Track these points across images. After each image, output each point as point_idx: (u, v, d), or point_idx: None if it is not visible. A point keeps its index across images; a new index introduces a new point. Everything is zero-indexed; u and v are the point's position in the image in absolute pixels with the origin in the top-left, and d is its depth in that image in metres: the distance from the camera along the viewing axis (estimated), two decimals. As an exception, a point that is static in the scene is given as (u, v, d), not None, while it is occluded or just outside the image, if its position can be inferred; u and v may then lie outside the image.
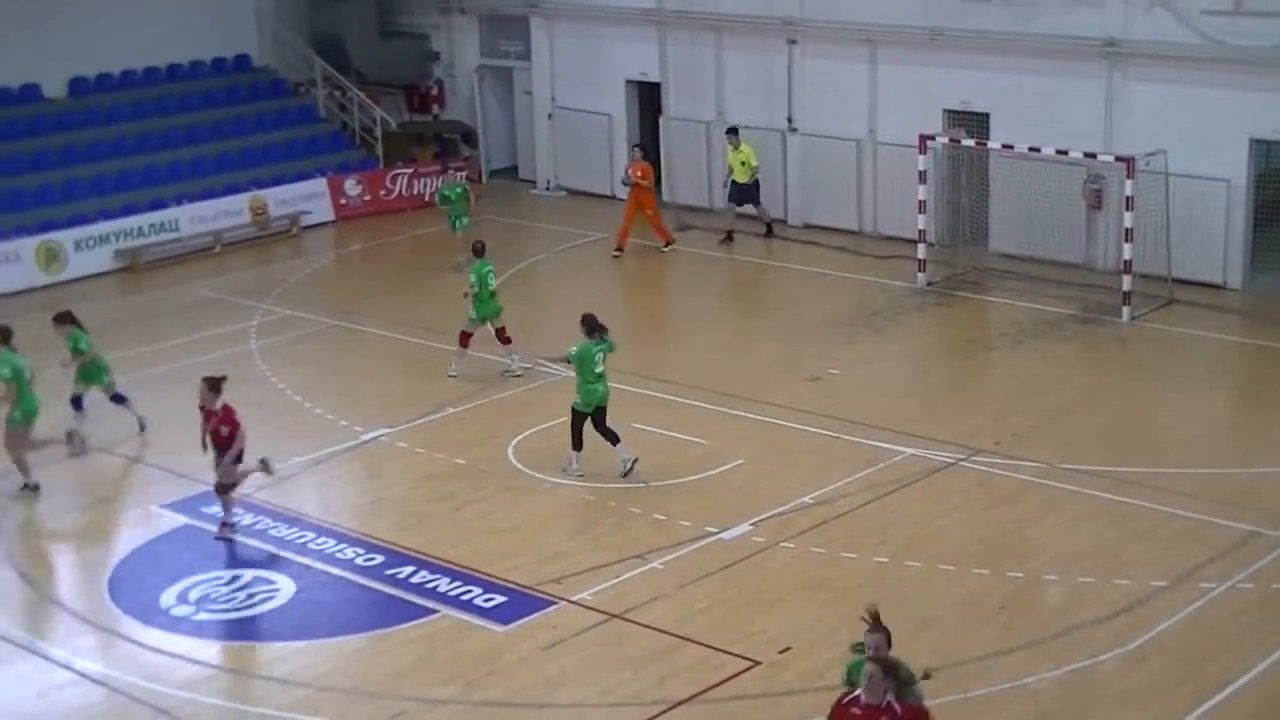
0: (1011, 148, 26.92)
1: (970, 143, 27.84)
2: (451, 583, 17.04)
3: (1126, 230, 25.11)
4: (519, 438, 20.91)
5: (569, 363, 19.57)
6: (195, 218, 31.37)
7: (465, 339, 23.18)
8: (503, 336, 23.27)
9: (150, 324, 26.66)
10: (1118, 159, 25.46)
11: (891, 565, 17.13)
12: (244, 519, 18.76)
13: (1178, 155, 25.77)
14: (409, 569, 17.39)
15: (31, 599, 17.34)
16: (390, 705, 14.75)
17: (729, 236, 30.43)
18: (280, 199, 32.61)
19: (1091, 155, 26.05)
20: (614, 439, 19.64)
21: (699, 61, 32.31)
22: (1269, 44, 25.36)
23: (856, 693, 11.53)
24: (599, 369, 19.44)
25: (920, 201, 27.27)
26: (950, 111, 28.87)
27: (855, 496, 18.85)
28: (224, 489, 18.35)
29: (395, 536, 18.25)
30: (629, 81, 33.72)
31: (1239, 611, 15.95)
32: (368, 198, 33.87)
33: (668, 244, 30.15)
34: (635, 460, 19.60)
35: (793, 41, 30.88)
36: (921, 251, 27.35)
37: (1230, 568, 16.76)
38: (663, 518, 18.45)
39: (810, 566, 17.18)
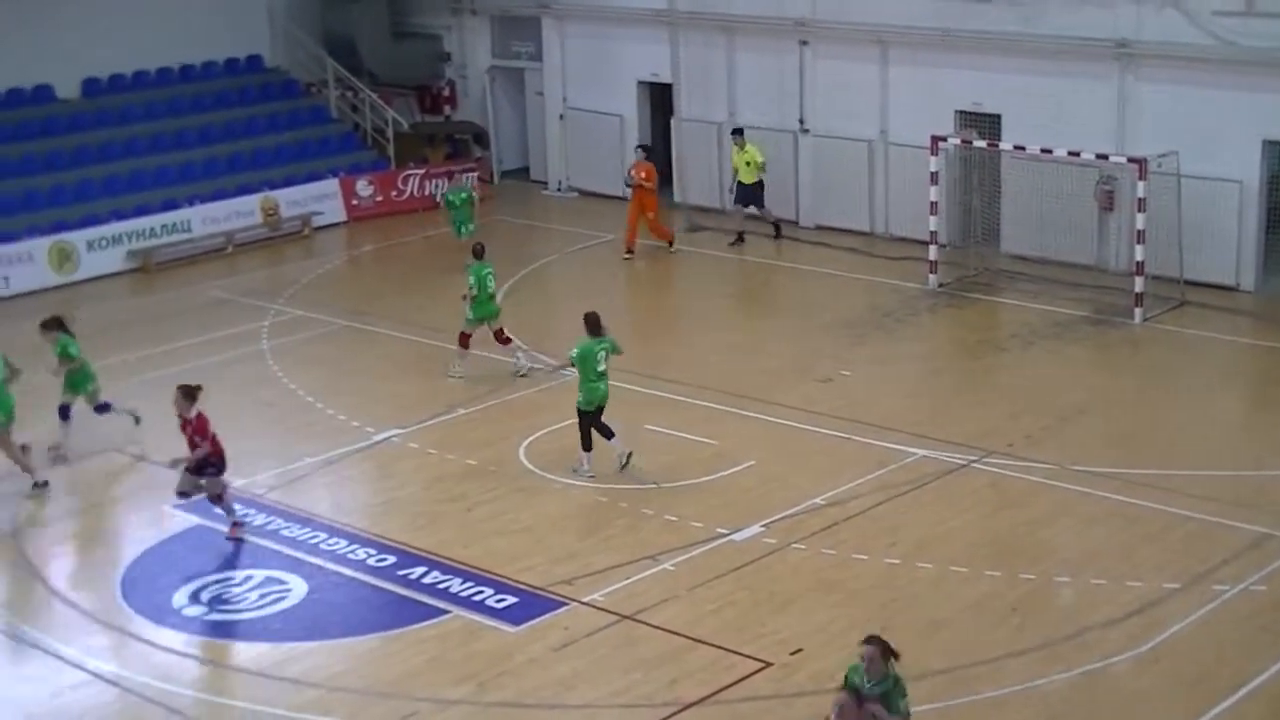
0: (1023, 149, 26.92)
1: (982, 144, 27.83)
2: (463, 583, 17.06)
3: (1138, 232, 25.09)
4: (530, 439, 20.93)
5: (573, 365, 19.63)
6: (207, 218, 31.42)
7: (465, 340, 23.26)
8: (501, 337, 23.35)
9: (162, 324, 26.71)
10: (1130, 160, 25.43)
11: (903, 567, 17.13)
12: (256, 519, 18.80)
13: (1190, 156, 25.75)
14: (421, 569, 17.42)
15: (44, 599, 17.37)
16: (402, 706, 14.77)
17: (740, 238, 30.42)
18: (292, 200, 32.66)
19: (1103, 156, 26.02)
20: (608, 434, 19.71)
21: (710, 62, 32.31)
22: (1281, 45, 25.36)
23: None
24: (601, 368, 19.51)
25: (932, 203, 27.25)
26: (962, 113, 28.85)
27: (867, 498, 18.85)
28: (215, 499, 18.30)
29: (407, 537, 18.27)
30: (640, 82, 33.73)
31: (1252, 614, 15.93)
32: (379, 198, 33.90)
33: (669, 244, 30.09)
34: (630, 454, 19.66)
35: (804, 42, 30.87)
36: (933, 253, 27.33)
37: (1243, 570, 16.74)
38: (674, 519, 18.46)
39: (822, 568, 17.18)
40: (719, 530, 18.09)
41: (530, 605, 16.54)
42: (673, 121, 33.15)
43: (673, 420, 21.42)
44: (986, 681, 14.72)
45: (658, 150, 33.11)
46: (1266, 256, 26.64)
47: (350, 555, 17.88)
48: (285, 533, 18.51)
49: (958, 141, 27.93)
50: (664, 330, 26.64)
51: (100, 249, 29.94)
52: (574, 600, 16.59)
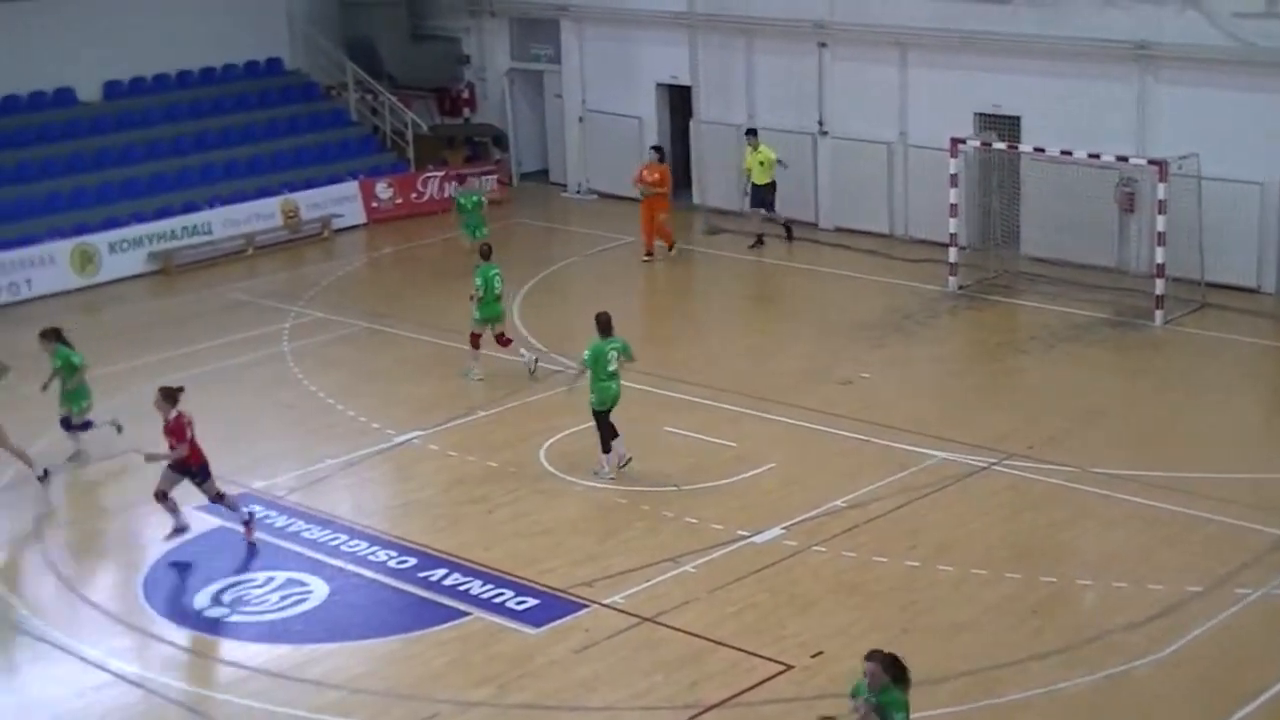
0: (1043, 151, 26.88)
1: (1002, 146, 27.80)
2: (484, 585, 17.08)
3: (1159, 234, 25.04)
4: (550, 440, 20.95)
5: (585, 367, 19.67)
6: (228, 220, 31.50)
7: (475, 340, 23.36)
8: (502, 340, 23.41)
9: (183, 327, 26.78)
10: (1150, 162, 25.38)
11: (923, 569, 17.12)
12: (277, 521, 18.86)
13: (1210, 158, 25.68)
14: (441, 571, 17.44)
15: (68, 601, 17.42)
16: (423, 708, 14.80)
17: (759, 240, 30.40)
18: (312, 202, 32.73)
19: (1124, 159, 25.97)
20: (613, 433, 19.82)
21: (729, 64, 32.32)
22: (1302, 47, 25.31)
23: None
24: (611, 367, 19.56)
25: (951, 205, 27.22)
26: (981, 115, 28.81)
27: (887, 500, 18.84)
28: (216, 499, 18.27)
29: (428, 539, 18.31)
30: (659, 85, 33.74)
31: (1275, 617, 15.90)
32: (399, 201, 33.95)
33: (670, 247, 29.95)
34: (630, 459, 19.73)
35: (823, 44, 30.85)
36: (953, 255, 27.30)
37: (1265, 573, 16.69)
38: (694, 521, 18.47)
39: (842, 570, 17.17)
40: (739, 532, 18.09)
41: (551, 607, 16.56)
42: (691, 124, 33.17)
43: (693, 422, 21.43)
44: (1008, 684, 14.71)
45: (677, 153, 33.16)
46: (1287, 258, 26.59)
47: (371, 557, 17.91)
48: (306, 534, 18.55)
49: (977, 144, 27.90)
50: (684, 332, 26.63)
51: (121, 251, 30.04)
52: (595, 602, 16.60)
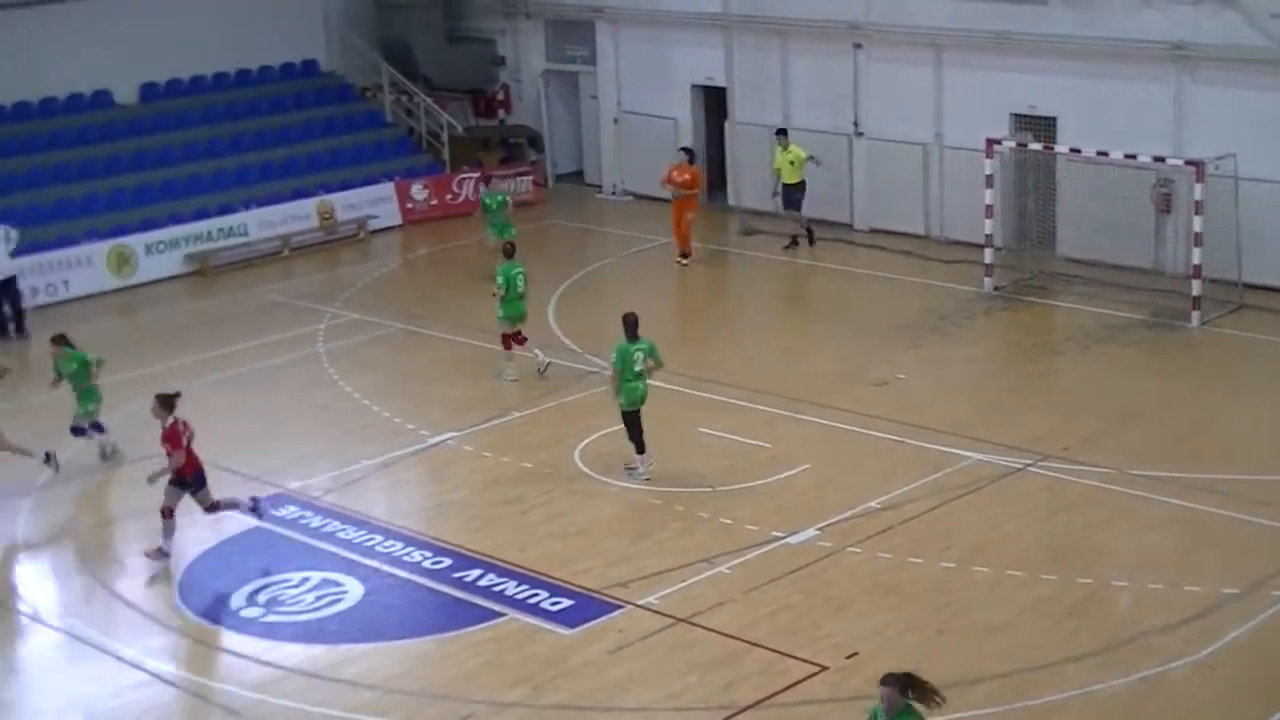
0: (1079, 152, 26.78)
1: (1037, 147, 27.71)
2: (518, 586, 17.10)
3: (1196, 234, 24.93)
4: (585, 441, 20.96)
5: (617, 369, 19.66)
6: (263, 222, 31.61)
7: (506, 341, 23.35)
8: (518, 339, 23.43)
9: (219, 328, 26.88)
10: (1187, 163, 25.27)
11: (958, 570, 17.08)
12: (313, 521, 18.91)
13: (1247, 158, 25.56)
14: (476, 572, 17.47)
15: (104, 600, 17.51)
16: (458, 708, 14.83)
17: (794, 242, 30.36)
18: (348, 203, 32.82)
19: (1160, 159, 25.84)
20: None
21: (765, 66, 32.29)
22: (1341, 46, 25.17)
23: None
24: (638, 368, 19.57)
25: (987, 206, 27.15)
26: (1017, 115, 28.72)
27: (922, 501, 18.80)
28: (210, 509, 18.17)
29: (463, 539, 18.34)
30: (694, 86, 33.72)
31: (1311, 620, 15.84)
32: (434, 202, 34.02)
33: (684, 255, 29.75)
34: (652, 464, 19.75)
35: (858, 45, 30.81)
36: (988, 256, 27.23)
37: (1303, 575, 16.63)
38: (729, 522, 18.46)
39: (877, 571, 17.14)
40: (774, 533, 18.08)
41: (585, 608, 16.57)
42: (726, 125, 33.15)
43: (727, 423, 21.42)
44: (1043, 686, 14.66)
45: (712, 155, 33.14)
46: (1326, 259, 26.44)
47: (406, 557, 17.95)
48: (341, 535, 18.60)
49: (1013, 144, 27.82)
50: (718, 333, 26.61)
51: (158, 253, 30.17)
52: (629, 603, 16.61)
